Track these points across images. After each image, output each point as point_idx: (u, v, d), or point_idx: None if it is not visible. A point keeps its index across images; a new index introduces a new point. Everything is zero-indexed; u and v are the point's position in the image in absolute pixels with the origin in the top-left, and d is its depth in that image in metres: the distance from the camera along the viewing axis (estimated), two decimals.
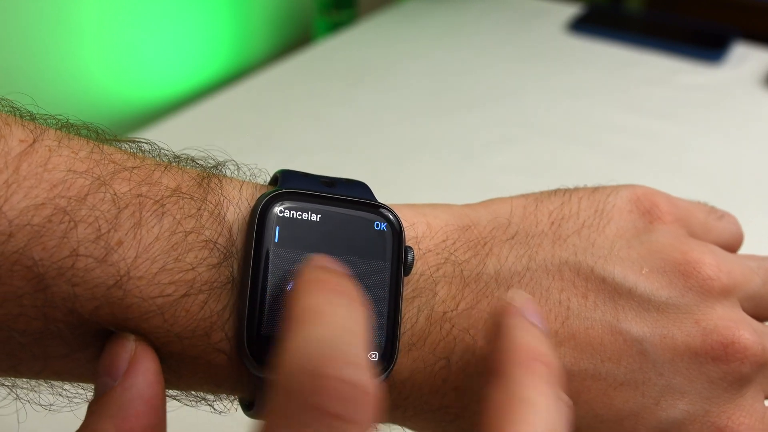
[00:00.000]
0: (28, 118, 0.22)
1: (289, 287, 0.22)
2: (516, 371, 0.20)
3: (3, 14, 0.62)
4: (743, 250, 0.38)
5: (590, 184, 0.29)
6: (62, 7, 0.67)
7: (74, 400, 0.23)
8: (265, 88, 0.81)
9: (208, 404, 0.24)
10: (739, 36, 0.95)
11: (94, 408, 0.20)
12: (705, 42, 0.92)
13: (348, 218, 0.23)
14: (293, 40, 0.96)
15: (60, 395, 0.23)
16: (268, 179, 0.25)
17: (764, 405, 0.27)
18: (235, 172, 0.25)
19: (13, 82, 0.65)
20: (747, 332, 0.25)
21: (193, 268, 0.21)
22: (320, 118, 0.76)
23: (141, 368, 0.20)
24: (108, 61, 0.73)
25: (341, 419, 0.16)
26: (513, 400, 0.20)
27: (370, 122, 0.76)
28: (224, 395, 0.24)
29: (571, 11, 1.03)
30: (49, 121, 0.22)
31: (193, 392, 0.24)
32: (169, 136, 0.71)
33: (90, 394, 0.23)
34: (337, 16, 0.95)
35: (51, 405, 0.23)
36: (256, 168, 0.26)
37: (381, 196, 0.25)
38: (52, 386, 0.23)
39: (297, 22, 0.96)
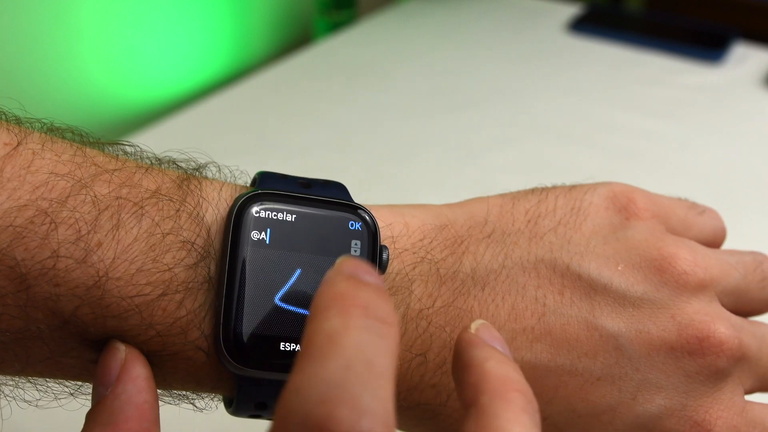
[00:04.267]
0: (14, 121, 0.22)
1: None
2: (492, 403, 0.20)
3: (2, 14, 0.62)
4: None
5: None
6: (62, 7, 0.67)
7: (60, 396, 0.23)
8: (265, 88, 0.81)
9: (190, 402, 0.25)
10: (739, 36, 0.95)
11: (89, 417, 0.21)
12: (705, 42, 0.92)
13: (323, 218, 0.24)
14: (293, 40, 0.96)
15: (45, 392, 0.23)
16: (249, 181, 0.26)
17: (743, 399, 0.27)
18: (217, 173, 0.26)
19: (13, 82, 0.65)
20: (723, 326, 0.25)
21: (169, 269, 0.22)
22: (320, 118, 0.76)
23: (131, 375, 0.21)
24: (108, 61, 0.73)
25: None
26: None
27: (370, 122, 0.76)
28: (206, 393, 0.25)
29: (571, 11, 1.03)
30: (34, 124, 0.23)
31: (175, 391, 0.24)
32: (169, 136, 0.71)
33: (75, 390, 0.24)
34: (337, 16, 0.96)
35: (37, 400, 0.23)
36: (237, 170, 0.26)
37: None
38: (35, 383, 0.23)
39: (297, 22, 0.96)
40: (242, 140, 0.71)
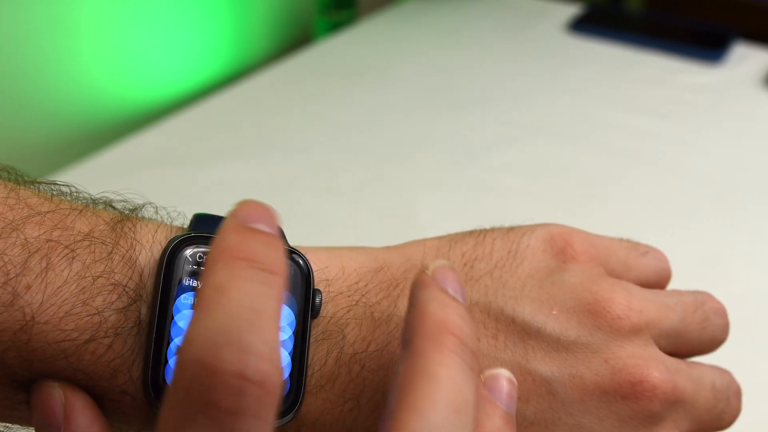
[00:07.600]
0: None
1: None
2: (423, 344, 0.20)
3: (3, 14, 0.62)
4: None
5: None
6: (62, 7, 0.67)
7: None
8: (265, 88, 0.81)
9: None
10: (739, 36, 0.95)
11: None
12: (705, 42, 0.92)
13: None
14: (293, 40, 0.96)
15: None
16: (186, 222, 0.26)
17: None
18: (153, 215, 0.25)
19: (13, 82, 0.65)
20: (656, 370, 0.25)
21: (99, 312, 0.21)
22: (320, 118, 0.76)
23: (78, 409, 0.21)
24: (108, 61, 0.73)
25: (235, 414, 0.16)
26: (417, 374, 0.20)
27: (370, 122, 0.76)
28: None
29: (571, 11, 1.03)
30: None
31: None
32: (170, 136, 0.71)
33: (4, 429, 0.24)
34: (337, 16, 0.96)
35: None
36: (174, 211, 0.26)
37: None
38: None
39: (297, 22, 0.96)
40: (242, 140, 0.71)
